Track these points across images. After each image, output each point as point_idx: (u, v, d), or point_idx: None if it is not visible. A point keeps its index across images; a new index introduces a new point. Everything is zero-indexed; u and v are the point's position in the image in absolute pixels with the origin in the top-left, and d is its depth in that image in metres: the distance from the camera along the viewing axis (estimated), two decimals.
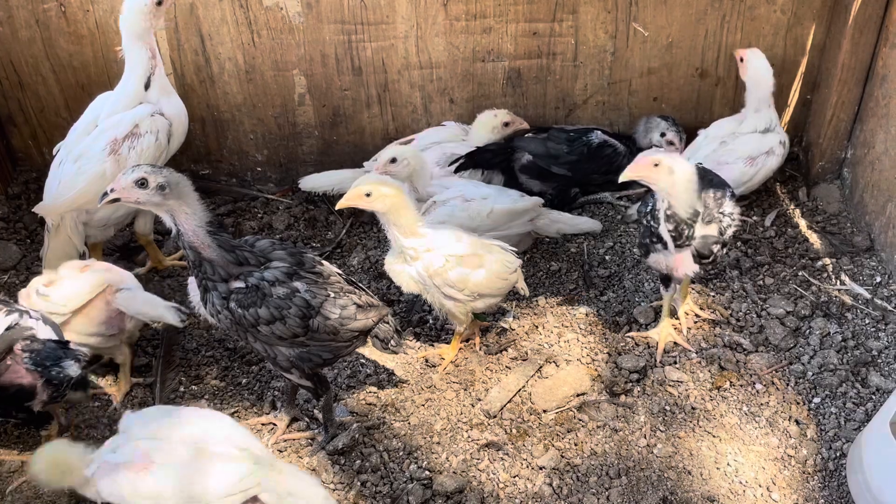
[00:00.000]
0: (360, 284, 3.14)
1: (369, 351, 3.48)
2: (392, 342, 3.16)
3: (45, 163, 4.07)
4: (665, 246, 3.25)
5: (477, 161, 4.12)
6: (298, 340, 2.95)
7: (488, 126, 4.23)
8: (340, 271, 3.13)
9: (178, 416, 2.75)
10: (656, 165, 3.03)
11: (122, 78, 3.68)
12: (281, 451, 3.19)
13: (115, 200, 2.76)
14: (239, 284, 2.88)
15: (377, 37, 4.15)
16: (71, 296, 3.23)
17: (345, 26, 4.11)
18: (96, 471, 2.63)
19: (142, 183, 2.72)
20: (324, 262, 3.10)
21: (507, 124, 4.22)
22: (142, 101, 3.65)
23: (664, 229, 3.18)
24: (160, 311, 3.30)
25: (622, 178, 3.10)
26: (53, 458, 2.67)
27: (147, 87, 3.64)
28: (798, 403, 3.33)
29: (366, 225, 4.29)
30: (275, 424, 3.28)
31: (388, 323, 3.16)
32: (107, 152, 3.55)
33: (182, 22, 4.01)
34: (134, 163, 3.51)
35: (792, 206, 4.33)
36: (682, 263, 3.28)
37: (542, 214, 3.92)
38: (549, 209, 3.98)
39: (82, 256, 3.74)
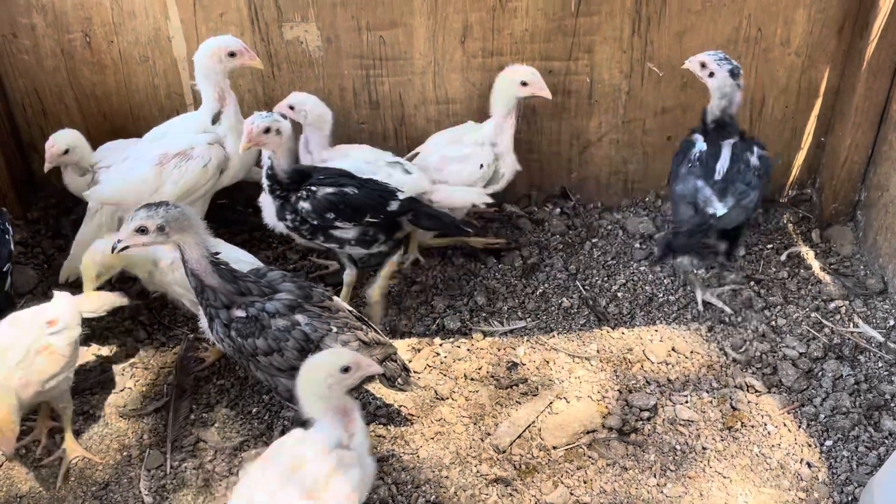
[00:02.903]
0: (369, 321, 3.16)
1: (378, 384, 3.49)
2: (399, 380, 3.17)
3: (64, 188, 4.12)
4: None
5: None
6: (297, 373, 2.96)
7: (508, 88, 3.98)
8: (351, 307, 3.15)
9: None
10: None
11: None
12: None
13: (126, 248, 2.89)
14: (240, 313, 2.93)
15: (395, 72, 4.21)
16: None
17: (363, 61, 4.17)
18: None
19: (142, 230, 2.83)
20: (334, 297, 3.13)
21: (524, 84, 3.92)
22: (208, 130, 3.79)
23: None
24: None
25: None
26: None
27: (215, 121, 3.79)
28: (810, 446, 3.30)
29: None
30: None
31: (395, 361, 3.17)
32: (155, 162, 3.70)
33: None
34: (176, 179, 3.67)
35: (805, 248, 4.33)
36: None
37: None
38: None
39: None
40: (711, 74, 3.71)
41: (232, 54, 3.65)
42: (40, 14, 4.01)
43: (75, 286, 3.76)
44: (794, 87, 4.30)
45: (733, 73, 3.69)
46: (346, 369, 2.61)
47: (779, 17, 4.09)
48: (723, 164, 3.72)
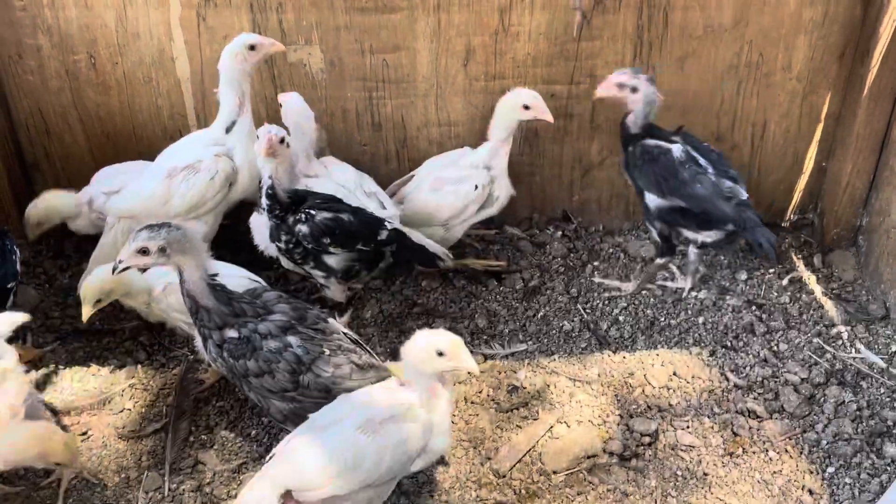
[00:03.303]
0: (364, 344, 3.15)
1: None
2: None
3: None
4: None
5: None
6: (289, 395, 2.95)
7: (510, 112, 3.98)
8: (347, 330, 3.15)
9: None
10: None
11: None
12: None
13: (126, 269, 2.92)
14: (232, 334, 2.93)
15: (398, 94, 4.23)
16: None
17: (366, 83, 4.19)
18: None
19: (143, 251, 2.85)
20: (330, 319, 3.12)
21: (527, 108, 3.93)
22: (217, 143, 3.82)
23: None
24: None
25: None
26: None
27: (228, 131, 3.81)
28: (812, 472, 3.28)
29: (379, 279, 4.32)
30: None
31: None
32: (164, 175, 3.75)
33: (207, 73, 4.10)
34: (183, 193, 3.73)
35: (807, 273, 4.33)
36: None
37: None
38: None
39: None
40: (635, 90, 3.77)
41: (252, 47, 3.67)
42: (46, 35, 4.04)
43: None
44: (796, 112, 4.32)
45: (652, 80, 3.79)
46: (440, 353, 2.72)
47: (780, 42, 4.12)
48: (701, 158, 3.83)
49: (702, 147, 3.90)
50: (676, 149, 3.82)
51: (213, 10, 3.97)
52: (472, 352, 3.76)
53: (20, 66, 4.14)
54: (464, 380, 3.69)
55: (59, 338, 3.91)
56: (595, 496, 3.20)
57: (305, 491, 2.75)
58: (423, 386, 2.81)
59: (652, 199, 3.89)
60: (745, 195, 3.78)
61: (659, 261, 4.12)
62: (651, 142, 3.85)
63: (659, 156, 3.81)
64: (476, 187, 4.04)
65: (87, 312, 3.40)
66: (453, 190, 4.05)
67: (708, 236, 3.93)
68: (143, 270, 3.45)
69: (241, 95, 3.76)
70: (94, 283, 3.40)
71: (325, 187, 3.87)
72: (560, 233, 4.62)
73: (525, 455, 3.36)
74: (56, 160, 4.42)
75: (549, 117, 3.92)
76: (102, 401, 3.60)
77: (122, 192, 3.88)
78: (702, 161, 3.81)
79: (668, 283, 4.21)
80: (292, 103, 3.88)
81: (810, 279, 4.28)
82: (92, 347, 3.89)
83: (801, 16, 4.05)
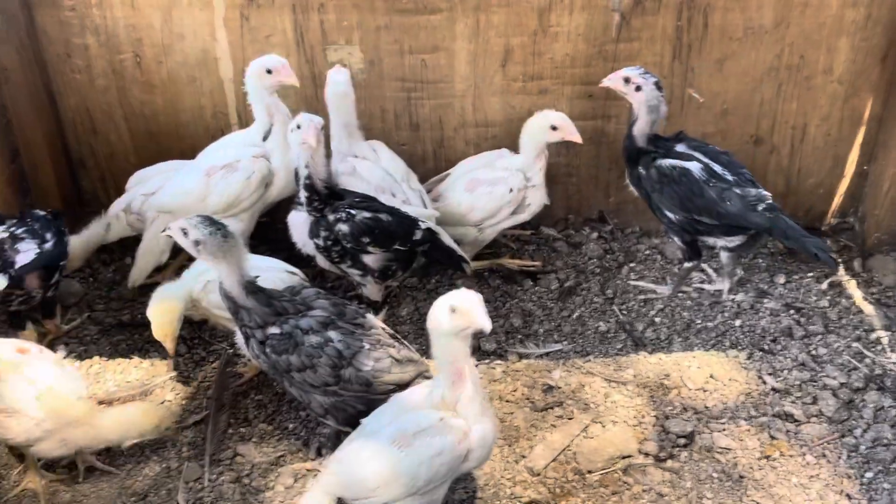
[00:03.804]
0: (403, 339, 3.18)
1: None
2: None
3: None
4: None
5: None
6: (331, 389, 2.99)
7: (538, 133, 4.03)
8: (385, 325, 3.18)
9: None
10: None
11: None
12: None
13: (169, 236, 3.03)
14: (274, 330, 2.98)
15: (435, 95, 4.26)
16: None
17: (405, 84, 4.23)
18: None
19: (184, 232, 2.95)
20: (367, 314, 3.16)
21: (555, 129, 3.98)
22: (256, 144, 3.93)
23: None
24: None
25: None
26: None
27: (265, 138, 3.93)
28: (850, 477, 3.25)
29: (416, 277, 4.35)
30: (319, 471, 3.30)
31: (428, 379, 3.18)
32: (202, 173, 3.86)
33: None
34: (221, 191, 3.83)
35: (846, 277, 4.28)
36: None
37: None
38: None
39: None
40: (638, 88, 3.74)
41: (269, 71, 3.76)
42: (93, 35, 4.14)
43: (144, 290, 3.99)
44: (837, 115, 4.28)
45: (658, 85, 3.74)
46: (452, 309, 2.64)
47: (822, 45, 4.09)
48: (715, 165, 3.79)
49: (710, 151, 3.85)
50: (695, 167, 3.77)
51: (256, 11, 4.04)
52: (506, 351, 3.83)
53: (68, 65, 4.24)
54: (498, 378, 3.72)
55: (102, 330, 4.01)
56: (630, 496, 3.20)
57: (353, 500, 2.82)
58: (447, 366, 2.72)
59: (674, 215, 3.88)
60: (769, 197, 3.73)
61: (687, 265, 4.10)
62: (666, 162, 3.81)
63: (680, 177, 3.78)
64: (510, 190, 4.05)
65: (172, 348, 3.54)
66: (487, 191, 4.07)
67: (731, 241, 3.91)
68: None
69: (268, 107, 3.86)
70: (166, 321, 3.49)
71: (371, 173, 3.92)
72: (596, 234, 4.62)
73: (560, 454, 3.37)
74: (101, 158, 4.52)
75: (578, 138, 3.95)
76: (143, 392, 3.68)
77: (163, 188, 3.97)
78: (718, 169, 3.77)
79: (706, 286, 4.19)
80: (333, 80, 3.88)
81: (850, 283, 4.24)
82: (134, 340, 3.97)
83: (843, 17, 4.02)
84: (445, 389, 2.75)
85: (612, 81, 3.80)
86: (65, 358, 3.27)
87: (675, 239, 4.02)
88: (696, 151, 3.85)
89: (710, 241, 3.95)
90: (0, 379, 3.00)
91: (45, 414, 3.00)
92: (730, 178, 3.76)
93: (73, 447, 3.14)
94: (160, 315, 3.48)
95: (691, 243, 3.98)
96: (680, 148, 3.86)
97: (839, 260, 4.33)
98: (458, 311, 2.63)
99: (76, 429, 3.08)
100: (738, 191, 3.71)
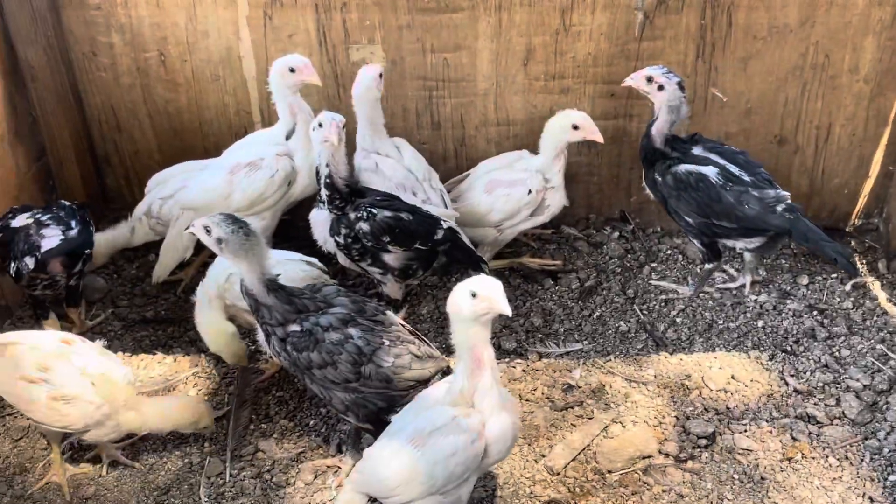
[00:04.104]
0: (422, 336, 3.18)
1: None
2: None
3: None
4: None
5: None
6: (351, 386, 3.00)
7: (559, 133, 4.01)
8: (404, 322, 3.19)
9: None
10: None
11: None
12: None
13: (192, 233, 3.06)
14: (295, 328, 2.99)
15: (457, 93, 4.27)
16: None
17: (426, 83, 4.24)
18: None
19: (207, 230, 2.97)
20: (388, 311, 3.17)
21: (576, 128, 3.95)
22: (280, 143, 3.96)
23: None
24: None
25: None
26: None
27: (288, 137, 3.96)
28: (873, 480, 3.22)
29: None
30: (339, 467, 3.32)
31: (449, 375, 3.18)
32: (226, 171, 3.89)
33: None
34: (244, 188, 3.87)
35: (871, 278, 4.25)
36: None
37: None
38: None
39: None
40: (661, 88, 3.72)
41: (292, 70, 3.78)
42: (119, 33, 4.18)
43: (167, 286, 4.17)
44: (862, 114, 4.24)
45: (682, 86, 3.72)
46: (473, 294, 2.60)
47: (847, 44, 4.05)
48: (732, 166, 3.77)
49: (726, 152, 3.84)
50: (711, 172, 3.75)
51: (280, 10, 4.06)
52: (526, 350, 3.82)
53: (94, 63, 4.29)
54: (518, 377, 3.72)
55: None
56: (650, 497, 3.19)
57: (379, 498, 2.86)
58: (466, 353, 2.69)
59: (693, 219, 3.86)
60: (788, 197, 3.72)
61: (708, 266, 4.07)
62: (682, 168, 3.79)
63: (697, 183, 3.76)
64: (529, 191, 4.05)
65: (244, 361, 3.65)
66: (506, 193, 4.06)
67: (750, 243, 3.88)
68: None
69: (291, 106, 3.89)
70: (231, 350, 3.56)
71: (394, 170, 3.94)
72: (617, 233, 4.61)
73: (579, 453, 3.36)
74: (126, 155, 4.56)
75: (599, 137, 3.93)
76: (166, 388, 3.71)
77: (189, 185, 4.01)
78: (735, 171, 3.76)
79: (729, 285, 4.16)
80: (361, 76, 3.87)
81: (874, 285, 4.20)
82: (157, 336, 4.01)
83: (870, 16, 3.98)
84: (464, 379, 2.73)
85: (635, 80, 3.79)
86: (105, 347, 3.31)
87: (695, 242, 4.00)
88: (712, 153, 3.83)
89: (730, 243, 3.93)
90: (49, 368, 3.07)
91: (102, 398, 3.09)
92: (747, 179, 3.74)
93: (124, 432, 3.21)
94: (223, 346, 3.55)
95: (710, 245, 3.96)
96: (696, 151, 3.85)
97: (858, 264, 4.29)
98: (479, 296, 2.59)
99: (128, 413, 3.17)
100: (756, 193, 3.70)
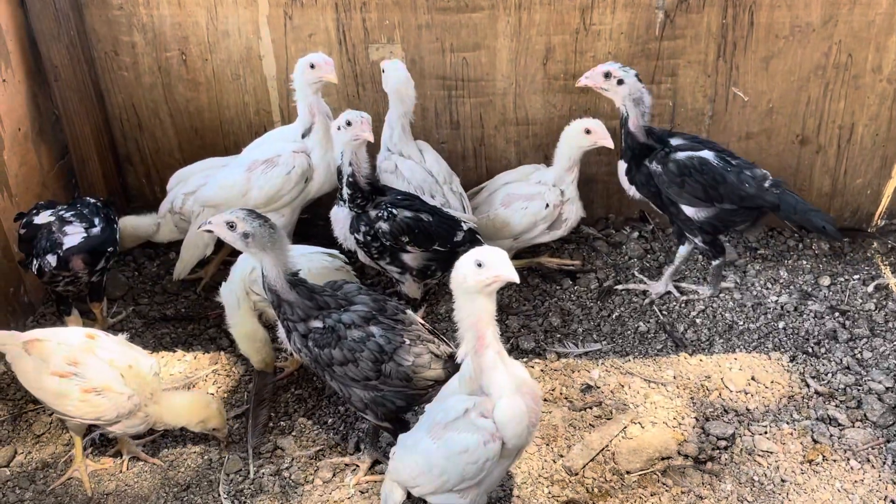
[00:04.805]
0: (442, 335, 3.19)
1: None
2: None
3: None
4: None
5: None
6: (371, 384, 3.01)
7: (574, 138, 4.00)
8: (424, 321, 3.19)
9: None
10: None
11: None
12: (363, 493, 3.23)
13: (209, 232, 3.04)
14: (317, 324, 3.00)
15: (476, 93, 4.27)
16: None
17: (446, 82, 4.25)
18: None
19: (231, 225, 2.95)
20: (408, 310, 3.17)
21: (588, 132, 3.94)
22: (297, 140, 3.98)
23: None
24: None
25: None
26: None
27: (305, 136, 3.97)
28: (895, 483, 3.19)
29: None
30: (357, 465, 3.33)
31: None
32: (244, 168, 3.92)
33: (292, 71, 4.20)
34: (262, 185, 3.88)
35: (893, 280, 4.20)
36: None
37: None
38: None
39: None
40: (621, 82, 3.70)
41: (312, 66, 3.79)
42: (140, 33, 4.21)
43: (187, 283, 4.21)
44: (886, 114, 4.20)
45: (638, 77, 3.71)
46: (479, 264, 2.57)
47: (870, 43, 4.01)
48: (719, 153, 3.79)
49: (702, 140, 3.87)
50: (710, 155, 3.75)
51: (300, 10, 4.08)
52: (545, 350, 3.82)
53: (116, 63, 4.32)
54: (537, 377, 3.71)
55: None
56: (668, 498, 3.17)
57: (407, 487, 2.89)
58: (470, 331, 2.65)
59: (694, 211, 3.83)
60: (769, 175, 3.78)
61: (715, 262, 4.04)
62: (683, 155, 3.77)
63: (701, 166, 3.74)
64: (546, 206, 4.04)
65: (271, 364, 3.68)
66: (523, 207, 4.05)
67: (743, 224, 3.92)
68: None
69: (310, 105, 3.89)
70: (261, 355, 3.60)
71: (412, 173, 3.94)
72: (637, 233, 4.59)
73: (598, 454, 3.35)
74: (147, 154, 4.59)
75: (610, 143, 3.91)
76: (187, 385, 3.74)
77: (208, 182, 4.03)
78: (725, 155, 3.80)
79: (697, 296, 4.16)
80: (395, 69, 3.88)
81: None
82: (178, 334, 4.04)
83: (893, 15, 3.94)
84: (468, 360, 2.69)
85: (591, 79, 3.76)
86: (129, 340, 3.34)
87: (696, 240, 3.95)
88: (693, 141, 3.85)
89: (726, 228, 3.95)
90: (79, 362, 3.11)
91: (133, 389, 3.13)
92: (734, 161, 3.78)
93: (151, 423, 3.25)
94: (254, 351, 3.58)
95: (713, 240, 3.93)
96: (676, 141, 3.84)
97: (845, 239, 4.34)
98: (486, 265, 2.55)
99: (156, 404, 3.22)
100: (748, 172, 3.74)
